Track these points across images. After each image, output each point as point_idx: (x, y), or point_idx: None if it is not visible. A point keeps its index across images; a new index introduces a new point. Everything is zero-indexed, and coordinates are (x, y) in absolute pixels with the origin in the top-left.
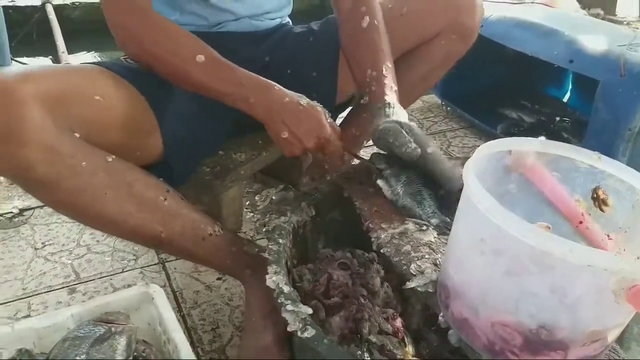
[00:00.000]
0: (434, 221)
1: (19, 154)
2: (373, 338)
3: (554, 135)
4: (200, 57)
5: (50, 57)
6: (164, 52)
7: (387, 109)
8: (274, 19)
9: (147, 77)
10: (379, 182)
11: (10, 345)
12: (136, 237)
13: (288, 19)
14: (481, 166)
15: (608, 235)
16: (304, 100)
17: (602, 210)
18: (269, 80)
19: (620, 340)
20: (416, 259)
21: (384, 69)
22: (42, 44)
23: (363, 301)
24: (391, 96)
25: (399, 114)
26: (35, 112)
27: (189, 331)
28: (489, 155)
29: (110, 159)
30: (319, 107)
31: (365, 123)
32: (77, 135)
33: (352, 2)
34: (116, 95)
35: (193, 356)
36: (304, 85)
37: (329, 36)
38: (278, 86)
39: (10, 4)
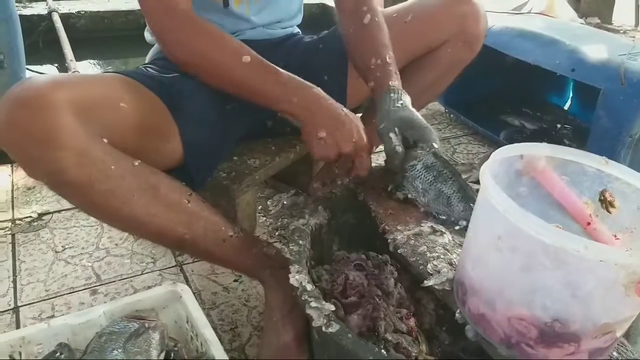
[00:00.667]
0: (463, 223)
1: (53, 158)
2: (389, 336)
3: (555, 141)
4: (246, 58)
5: (57, 65)
6: (210, 54)
7: (392, 94)
8: (285, 28)
9: (167, 86)
10: (405, 183)
11: (46, 341)
12: (161, 238)
13: (298, 29)
14: (494, 170)
15: (615, 236)
16: (344, 108)
17: (609, 211)
18: (310, 83)
19: (627, 335)
20: (432, 259)
21: (387, 58)
22: (48, 52)
23: (378, 301)
24: (395, 81)
25: (404, 98)
26: (68, 118)
27: None
28: (501, 159)
29: (136, 163)
30: (357, 118)
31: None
32: (105, 140)
33: (354, 2)
34: (140, 102)
35: (223, 350)
36: None
37: (337, 44)
38: (319, 89)
39: (17, 12)
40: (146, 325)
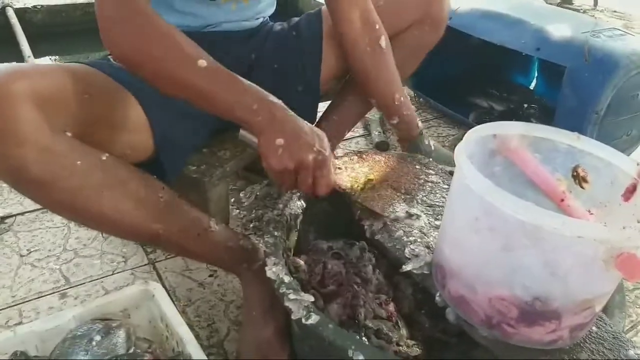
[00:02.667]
0: None
1: (14, 154)
2: (369, 323)
3: (522, 121)
4: (202, 62)
5: (13, 63)
6: (160, 54)
7: (422, 138)
8: (258, 18)
9: (134, 76)
10: None
11: (13, 349)
12: (134, 236)
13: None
14: (470, 150)
15: (589, 211)
16: (307, 122)
17: (582, 187)
18: (269, 93)
19: (605, 309)
20: (409, 243)
21: (406, 93)
22: (4, 49)
23: (357, 288)
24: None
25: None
26: (28, 111)
27: None
28: (475, 139)
29: (104, 157)
30: (322, 133)
31: (347, 111)
32: (69, 134)
33: (362, 17)
34: (106, 93)
35: (199, 348)
36: (290, 79)
37: (310, 30)
38: (278, 99)
39: None
40: (110, 325)
